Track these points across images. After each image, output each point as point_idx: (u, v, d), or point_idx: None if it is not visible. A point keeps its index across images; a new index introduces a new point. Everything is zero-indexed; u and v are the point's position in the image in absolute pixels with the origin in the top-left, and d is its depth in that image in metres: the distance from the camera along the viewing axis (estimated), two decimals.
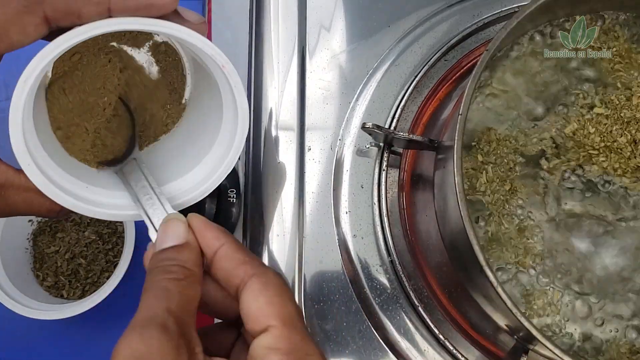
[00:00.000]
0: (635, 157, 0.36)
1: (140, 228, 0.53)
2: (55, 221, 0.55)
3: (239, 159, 0.46)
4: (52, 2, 0.27)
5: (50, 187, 0.31)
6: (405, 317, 0.41)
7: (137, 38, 0.35)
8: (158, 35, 0.35)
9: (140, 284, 0.61)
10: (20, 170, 0.31)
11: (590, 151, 0.37)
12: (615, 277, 0.36)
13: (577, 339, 0.36)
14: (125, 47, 0.35)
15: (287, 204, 0.43)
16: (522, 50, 0.39)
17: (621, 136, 0.37)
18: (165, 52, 0.36)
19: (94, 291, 0.51)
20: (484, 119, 0.38)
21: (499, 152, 0.38)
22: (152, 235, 0.33)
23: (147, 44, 0.36)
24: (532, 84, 0.39)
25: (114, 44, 0.35)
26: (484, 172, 0.37)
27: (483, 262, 0.30)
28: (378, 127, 0.40)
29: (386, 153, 0.43)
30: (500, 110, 0.38)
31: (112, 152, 0.34)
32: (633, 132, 0.37)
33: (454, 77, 0.45)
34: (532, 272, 0.36)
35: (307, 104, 0.45)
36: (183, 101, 0.36)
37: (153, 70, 0.36)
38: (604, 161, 0.37)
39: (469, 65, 0.45)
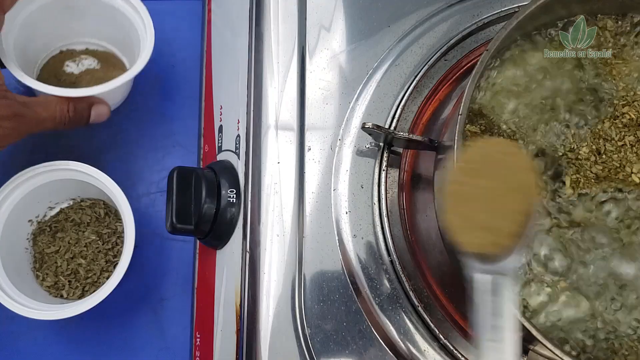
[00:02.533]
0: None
1: (141, 228, 0.53)
2: (55, 221, 0.55)
3: (239, 159, 0.46)
4: None
5: None
6: (405, 317, 0.41)
7: None
8: None
9: (140, 285, 0.61)
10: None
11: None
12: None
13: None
14: None
15: (287, 203, 0.43)
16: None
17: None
18: None
19: (94, 291, 0.51)
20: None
21: None
22: None
23: None
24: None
25: None
26: None
27: None
28: (378, 127, 0.40)
29: (386, 153, 0.43)
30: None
31: (499, 243, 0.25)
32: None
33: (454, 77, 0.45)
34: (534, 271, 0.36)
35: (307, 104, 0.45)
36: None
37: None
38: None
39: (469, 65, 0.45)
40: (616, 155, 0.37)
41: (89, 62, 0.58)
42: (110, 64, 0.59)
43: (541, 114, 0.39)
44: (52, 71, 0.58)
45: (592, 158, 0.37)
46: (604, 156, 0.37)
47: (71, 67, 0.58)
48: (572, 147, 0.37)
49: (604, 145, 0.37)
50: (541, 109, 0.39)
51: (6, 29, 0.51)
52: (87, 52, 0.59)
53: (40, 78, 0.57)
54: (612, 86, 0.39)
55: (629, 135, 0.37)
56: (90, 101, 0.50)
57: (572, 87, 0.39)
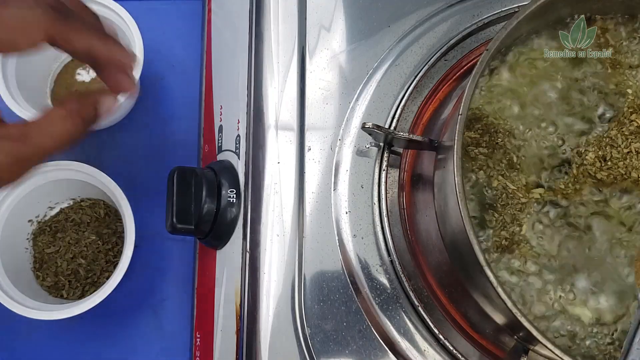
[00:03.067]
0: None
1: (141, 228, 0.53)
2: (55, 221, 0.55)
3: (239, 159, 0.46)
4: None
5: None
6: (405, 317, 0.41)
7: None
8: None
9: (140, 285, 0.61)
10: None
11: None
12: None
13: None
14: None
15: (287, 204, 0.43)
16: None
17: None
18: None
19: (94, 291, 0.51)
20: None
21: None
22: None
23: None
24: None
25: None
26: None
27: (483, 262, 0.30)
28: (378, 127, 0.40)
29: (386, 153, 0.43)
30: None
31: None
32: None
33: (454, 77, 0.45)
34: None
35: (307, 104, 0.45)
36: None
37: None
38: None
39: (469, 65, 0.45)
40: (622, 162, 0.37)
41: None
42: None
43: (543, 116, 0.39)
44: (64, 83, 0.59)
45: (598, 164, 0.37)
46: (609, 162, 0.37)
47: (82, 75, 0.59)
48: (580, 151, 0.37)
49: (610, 152, 0.37)
50: (541, 114, 0.39)
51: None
52: None
53: (53, 92, 0.59)
54: (619, 91, 0.39)
55: (635, 142, 0.37)
56: (93, 98, 0.38)
57: (576, 91, 0.39)
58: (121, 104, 0.53)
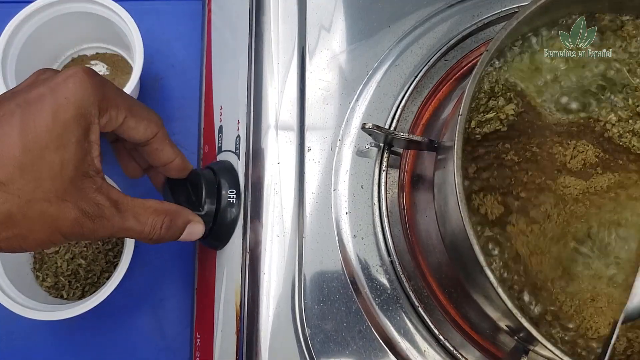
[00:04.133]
0: None
1: None
2: None
3: (239, 159, 0.46)
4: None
5: None
6: (405, 317, 0.41)
7: None
8: None
9: (140, 285, 0.61)
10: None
11: None
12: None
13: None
14: None
15: (287, 204, 0.43)
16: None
17: None
18: None
19: (94, 292, 0.51)
20: None
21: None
22: None
23: None
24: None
25: None
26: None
27: (483, 263, 0.30)
28: (378, 127, 0.40)
29: (386, 153, 0.43)
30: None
31: None
32: None
33: (454, 77, 0.45)
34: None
35: (307, 104, 0.45)
36: None
37: None
38: None
39: (469, 65, 0.45)
40: None
41: (99, 69, 0.60)
42: (119, 69, 0.60)
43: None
44: None
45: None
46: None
47: None
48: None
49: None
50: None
51: (3, 55, 0.52)
52: (97, 57, 0.60)
53: None
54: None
55: None
56: (187, 218, 0.41)
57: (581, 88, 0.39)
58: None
